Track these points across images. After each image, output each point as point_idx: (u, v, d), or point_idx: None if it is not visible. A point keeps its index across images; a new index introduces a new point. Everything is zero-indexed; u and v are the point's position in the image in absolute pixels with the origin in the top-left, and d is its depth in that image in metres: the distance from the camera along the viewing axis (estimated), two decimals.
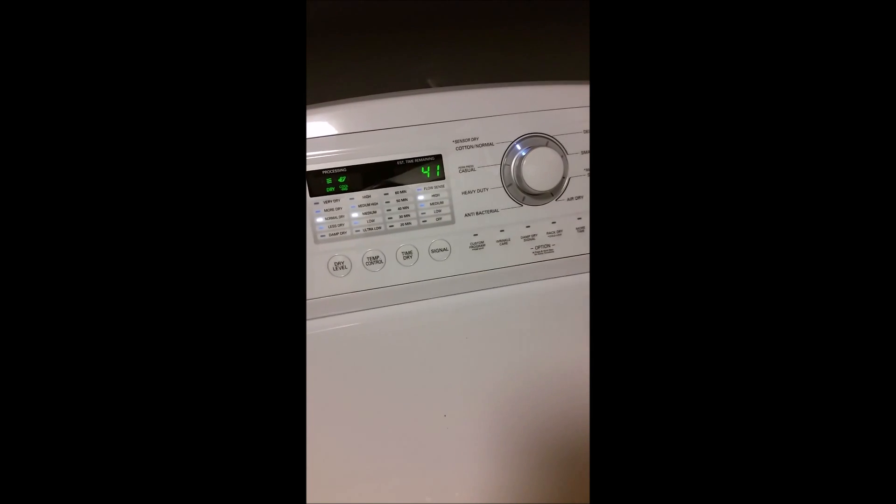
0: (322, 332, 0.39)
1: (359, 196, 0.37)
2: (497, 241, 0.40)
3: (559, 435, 0.31)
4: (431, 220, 0.38)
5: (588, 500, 0.25)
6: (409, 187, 0.37)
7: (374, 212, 0.37)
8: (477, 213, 0.39)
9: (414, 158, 0.37)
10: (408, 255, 0.39)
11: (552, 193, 0.40)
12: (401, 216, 0.38)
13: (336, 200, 0.37)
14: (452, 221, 0.39)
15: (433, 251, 0.39)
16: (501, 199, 0.39)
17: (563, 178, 0.39)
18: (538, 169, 0.38)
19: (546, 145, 0.38)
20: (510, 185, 0.39)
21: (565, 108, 0.39)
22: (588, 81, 0.40)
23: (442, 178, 0.38)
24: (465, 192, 0.38)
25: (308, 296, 0.38)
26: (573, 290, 0.42)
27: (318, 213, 0.37)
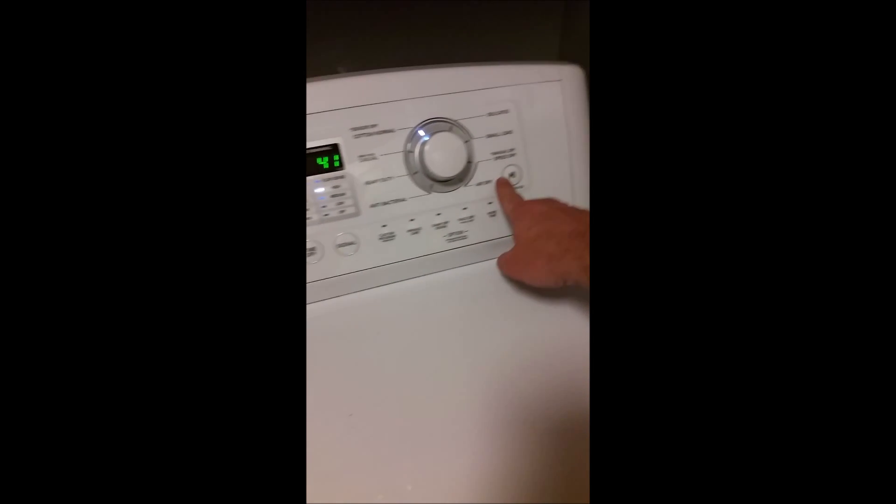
0: None
1: None
2: (408, 231, 0.39)
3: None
4: (334, 213, 0.37)
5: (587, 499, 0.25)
6: (306, 179, 0.35)
7: None
8: (383, 203, 0.38)
9: (308, 149, 0.35)
10: (311, 251, 0.37)
11: (460, 179, 0.39)
12: None
13: None
14: (357, 213, 0.37)
15: (339, 245, 0.37)
16: (408, 187, 0.38)
17: (469, 162, 0.38)
18: (442, 155, 0.37)
19: (449, 130, 0.37)
20: (416, 172, 0.38)
21: (467, 90, 0.38)
22: (489, 62, 0.39)
23: (341, 167, 0.36)
24: (367, 182, 0.37)
25: None
26: (491, 274, 0.41)
27: None
